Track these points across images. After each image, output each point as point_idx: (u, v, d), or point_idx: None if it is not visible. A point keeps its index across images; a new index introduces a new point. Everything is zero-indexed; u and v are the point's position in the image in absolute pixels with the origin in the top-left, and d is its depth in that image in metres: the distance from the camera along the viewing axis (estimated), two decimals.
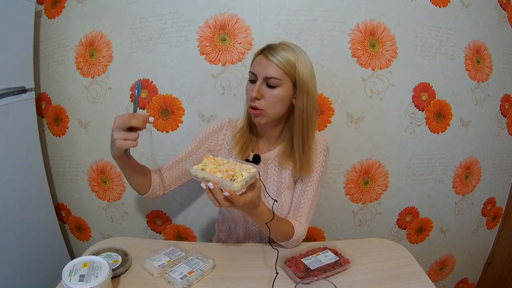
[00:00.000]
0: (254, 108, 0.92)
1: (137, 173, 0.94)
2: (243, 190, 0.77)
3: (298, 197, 1.03)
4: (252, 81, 0.93)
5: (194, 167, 0.79)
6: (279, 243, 0.99)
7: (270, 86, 0.90)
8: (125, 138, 0.79)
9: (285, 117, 0.98)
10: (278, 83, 0.89)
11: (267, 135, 1.02)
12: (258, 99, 0.91)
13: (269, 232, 0.90)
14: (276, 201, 1.00)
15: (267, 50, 0.91)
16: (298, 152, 0.97)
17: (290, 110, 0.96)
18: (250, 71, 0.94)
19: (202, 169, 0.78)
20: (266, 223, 0.87)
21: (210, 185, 0.74)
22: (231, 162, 0.81)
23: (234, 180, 0.74)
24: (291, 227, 0.97)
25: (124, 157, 0.85)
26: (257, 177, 0.81)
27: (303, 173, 1.00)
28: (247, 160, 1.01)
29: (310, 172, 1.01)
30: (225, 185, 0.74)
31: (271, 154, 1.03)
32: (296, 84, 0.90)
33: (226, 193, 0.74)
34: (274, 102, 0.91)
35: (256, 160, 1.02)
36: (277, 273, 0.84)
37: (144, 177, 0.96)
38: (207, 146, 1.04)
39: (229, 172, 0.76)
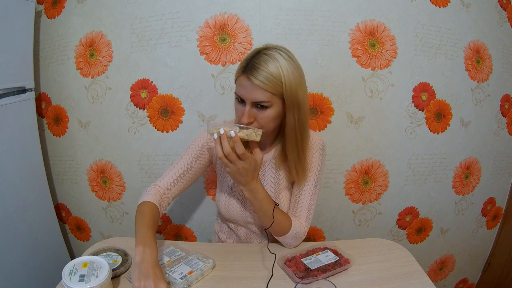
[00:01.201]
0: None
1: None
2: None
3: (296, 197, 1.02)
4: (240, 100, 0.89)
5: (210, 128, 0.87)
6: (276, 237, 0.99)
7: (260, 107, 0.86)
8: None
9: (279, 125, 0.96)
10: (268, 105, 0.85)
11: (261, 141, 1.02)
12: (251, 123, 0.88)
13: (269, 211, 0.92)
14: (278, 205, 0.99)
15: (249, 71, 0.83)
16: (294, 165, 0.95)
17: (284, 116, 0.92)
18: (236, 93, 0.88)
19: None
20: (266, 223, 0.88)
21: (221, 130, 0.82)
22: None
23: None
24: (289, 220, 0.97)
25: None
26: (259, 155, 0.87)
27: (300, 180, 0.99)
28: None
29: (306, 178, 1.00)
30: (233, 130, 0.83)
31: (268, 157, 1.02)
32: (285, 101, 0.86)
33: (232, 132, 0.81)
34: (267, 122, 0.88)
35: None
36: (272, 274, 0.85)
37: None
38: (207, 153, 1.02)
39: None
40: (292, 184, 1.05)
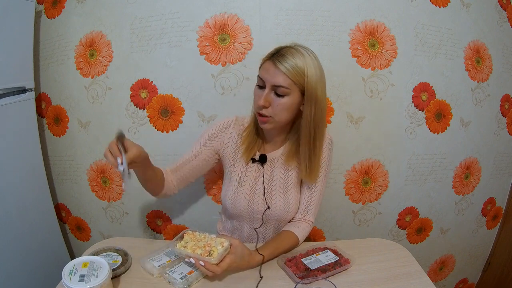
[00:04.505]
0: (261, 115, 0.92)
1: (150, 176, 0.94)
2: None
3: (308, 199, 1.05)
4: (260, 86, 0.93)
5: (177, 245, 0.88)
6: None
7: (278, 95, 0.90)
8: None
9: (292, 121, 0.99)
10: (286, 92, 0.89)
11: (273, 136, 1.03)
12: (265, 107, 0.91)
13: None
14: (270, 208, 1.02)
15: (276, 57, 0.89)
16: (304, 161, 0.98)
17: (298, 114, 0.96)
18: (258, 76, 0.93)
19: (184, 247, 0.87)
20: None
21: (192, 260, 0.84)
22: (208, 237, 0.90)
23: (212, 255, 0.83)
24: (293, 239, 0.99)
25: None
26: (236, 244, 0.87)
27: (310, 181, 1.02)
28: (253, 160, 1.03)
29: (316, 180, 1.02)
30: (204, 260, 0.83)
31: (277, 153, 1.04)
32: (305, 92, 0.89)
33: (201, 263, 0.82)
34: (282, 110, 0.91)
35: (262, 159, 1.03)
36: (261, 277, 0.87)
37: (158, 180, 0.97)
38: (213, 146, 1.05)
39: (206, 248, 0.85)
40: (300, 181, 1.06)
